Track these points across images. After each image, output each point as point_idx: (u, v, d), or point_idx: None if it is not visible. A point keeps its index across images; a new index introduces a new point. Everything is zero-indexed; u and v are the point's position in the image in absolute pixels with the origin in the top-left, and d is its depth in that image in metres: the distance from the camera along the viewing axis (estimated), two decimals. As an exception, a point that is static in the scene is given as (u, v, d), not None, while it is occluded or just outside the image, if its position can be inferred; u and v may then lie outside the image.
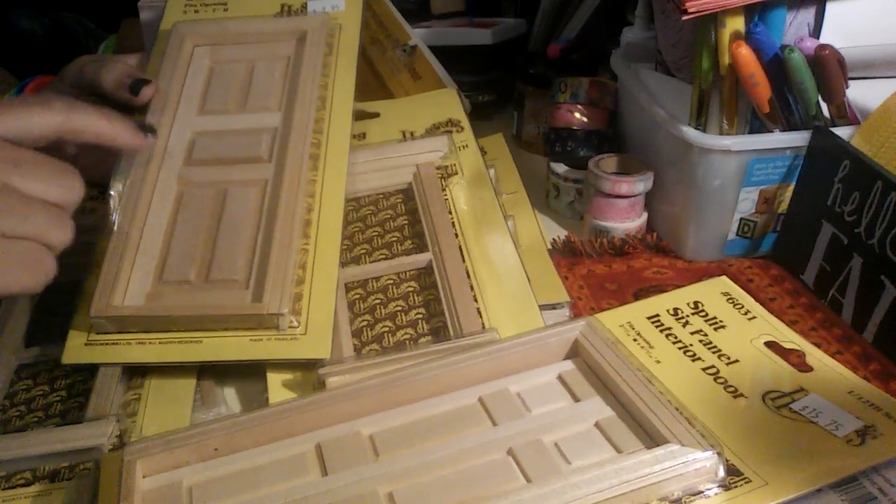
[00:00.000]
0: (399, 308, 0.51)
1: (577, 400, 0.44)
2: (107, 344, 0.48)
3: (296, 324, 0.48)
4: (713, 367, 0.47)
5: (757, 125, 0.56)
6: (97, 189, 0.63)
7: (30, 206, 0.39)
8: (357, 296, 0.53)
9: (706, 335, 0.49)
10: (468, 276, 0.51)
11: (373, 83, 0.72)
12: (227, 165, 0.55)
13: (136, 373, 0.49)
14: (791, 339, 0.49)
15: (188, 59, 0.60)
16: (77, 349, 0.48)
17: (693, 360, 0.48)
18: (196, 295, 0.49)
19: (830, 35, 0.54)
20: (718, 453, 0.38)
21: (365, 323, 0.51)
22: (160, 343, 0.48)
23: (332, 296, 0.49)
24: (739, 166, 0.55)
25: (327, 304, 0.49)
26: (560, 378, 0.46)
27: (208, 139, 0.56)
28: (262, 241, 0.50)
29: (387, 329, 0.50)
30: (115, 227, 0.51)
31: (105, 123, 0.45)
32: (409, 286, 0.53)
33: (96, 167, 0.61)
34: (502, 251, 0.54)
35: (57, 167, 0.41)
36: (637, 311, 0.52)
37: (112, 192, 0.54)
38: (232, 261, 0.50)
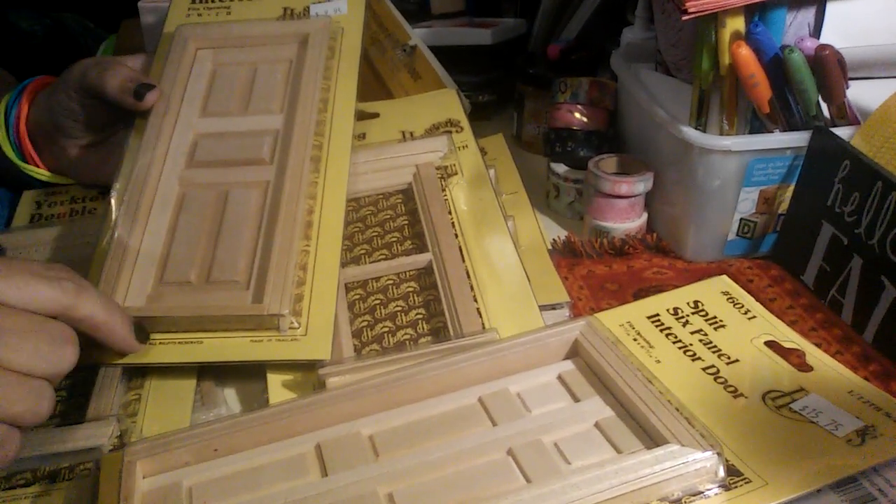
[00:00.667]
0: (399, 308, 0.51)
1: (576, 400, 0.44)
2: None
3: (296, 325, 0.48)
4: (713, 366, 0.47)
5: (757, 125, 0.56)
6: (99, 189, 0.63)
7: (8, 386, 0.35)
8: (357, 296, 0.53)
9: (706, 335, 0.49)
10: (468, 277, 0.51)
11: (373, 83, 0.72)
12: (228, 167, 0.55)
13: (136, 373, 0.49)
14: (791, 338, 0.49)
15: (191, 61, 0.61)
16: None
17: (693, 360, 0.48)
18: (197, 296, 0.49)
19: (830, 35, 0.54)
20: (718, 453, 0.38)
21: (365, 323, 0.51)
22: (160, 344, 0.48)
23: (332, 297, 0.49)
24: (739, 166, 0.55)
25: (328, 305, 0.49)
26: (560, 378, 0.46)
27: (210, 141, 0.56)
28: (263, 243, 0.50)
29: (387, 329, 0.50)
30: (117, 228, 0.51)
31: (106, 317, 0.42)
32: (409, 286, 0.53)
33: (99, 167, 0.61)
34: (502, 251, 0.54)
35: (49, 336, 0.37)
36: (637, 311, 0.52)
37: (114, 193, 0.54)
38: (233, 262, 0.50)
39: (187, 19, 0.64)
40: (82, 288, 0.40)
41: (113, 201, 0.53)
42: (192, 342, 0.48)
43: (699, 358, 0.48)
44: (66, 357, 0.38)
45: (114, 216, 0.53)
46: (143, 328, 0.47)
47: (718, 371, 0.46)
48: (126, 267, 0.50)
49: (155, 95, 0.57)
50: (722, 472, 0.38)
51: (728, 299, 0.53)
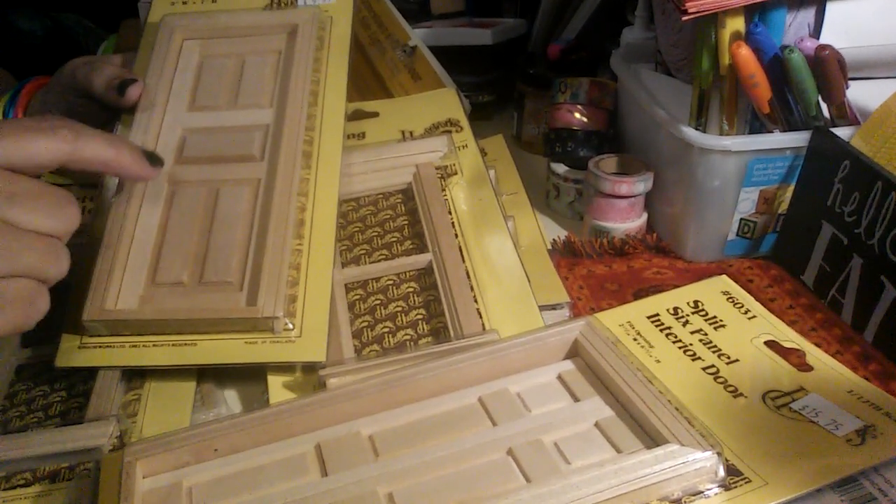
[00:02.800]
0: (399, 309, 0.51)
1: (576, 400, 0.44)
2: (100, 347, 0.48)
3: (291, 326, 0.48)
4: (713, 366, 0.47)
5: (757, 125, 0.56)
6: (87, 187, 0.63)
7: (26, 241, 0.38)
8: (357, 296, 0.53)
9: (706, 334, 0.49)
10: (468, 277, 0.51)
11: (373, 83, 0.72)
12: (218, 164, 0.54)
13: (136, 373, 0.49)
14: (791, 338, 0.49)
15: (177, 53, 0.60)
16: (70, 352, 0.48)
17: (693, 360, 0.48)
18: (189, 297, 0.48)
19: (830, 35, 0.54)
20: (718, 453, 0.38)
21: (365, 324, 0.51)
22: (154, 346, 0.47)
23: (326, 297, 0.49)
24: (739, 166, 0.55)
25: (322, 305, 0.49)
26: (560, 378, 0.46)
27: (199, 136, 0.55)
28: (256, 242, 0.50)
29: (387, 330, 0.50)
30: (106, 227, 0.51)
31: (112, 153, 0.43)
32: (409, 287, 0.53)
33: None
34: (502, 251, 0.54)
35: (54, 197, 0.40)
36: (637, 311, 0.52)
37: (103, 191, 0.53)
38: (225, 262, 0.49)
39: (172, 8, 0.63)
40: (80, 131, 0.41)
41: (104, 199, 0.53)
42: (186, 344, 0.48)
43: (699, 358, 0.48)
44: (73, 214, 0.40)
45: (106, 207, 0.52)
46: (155, 154, 0.47)
47: (718, 371, 0.46)
48: (117, 268, 0.49)
49: (137, 90, 0.56)
50: (722, 472, 0.38)
51: (728, 299, 0.53)
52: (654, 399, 0.41)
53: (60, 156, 0.40)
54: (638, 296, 0.55)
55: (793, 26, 0.54)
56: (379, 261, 0.54)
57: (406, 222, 0.57)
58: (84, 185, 0.63)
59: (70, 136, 0.41)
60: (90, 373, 0.48)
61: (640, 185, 0.60)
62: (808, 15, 0.54)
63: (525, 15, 0.90)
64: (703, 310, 0.52)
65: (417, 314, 0.51)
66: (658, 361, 0.48)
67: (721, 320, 0.51)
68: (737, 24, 0.52)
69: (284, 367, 0.48)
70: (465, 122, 0.63)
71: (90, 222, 0.54)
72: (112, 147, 0.43)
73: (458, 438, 0.41)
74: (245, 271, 0.49)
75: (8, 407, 0.48)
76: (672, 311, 0.52)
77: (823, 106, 0.54)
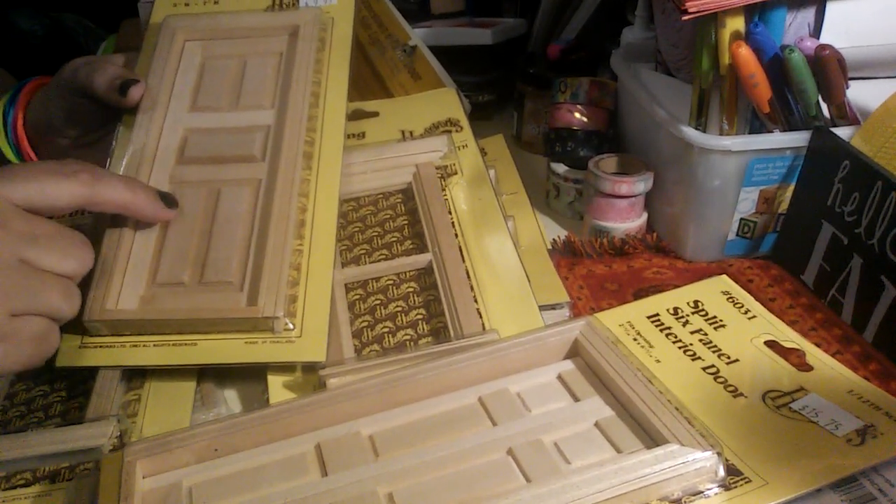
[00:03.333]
0: (399, 309, 0.51)
1: (576, 400, 0.44)
2: (101, 347, 0.48)
3: (291, 326, 0.48)
4: (713, 366, 0.47)
5: (757, 125, 0.56)
6: None
7: (43, 282, 0.40)
8: (357, 296, 0.53)
9: (706, 334, 0.49)
10: (468, 277, 0.51)
11: (373, 83, 0.72)
12: (219, 164, 0.54)
13: (136, 373, 0.49)
14: (791, 338, 0.49)
15: (179, 54, 0.60)
16: (71, 352, 0.48)
17: (693, 360, 0.48)
18: (190, 297, 0.48)
19: (830, 35, 0.54)
20: (718, 453, 0.38)
21: (365, 324, 0.51)
22: (155, 346, 0.48)
23: (326, 298, 0.49)
24: (739, 166, 0.55)
25: (322, 305, 0.49)
26: (560, 378, 0.46)
27: (201, 137, 0.56)
28: (257, 243, 0.50)
29: (387, 330, 0.50)
30: (108, 227, 0.51)
31: (129, 196, 0.46)
32: (409, 287, 0.53)
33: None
34: (502, 251, 0.54)
35: (71, 239, 0.42)
36: (637, 311, 0.52)
37: None
38: (226, 262, 0.49)
39: (174, 9, 0.63)
40: (98, 175, 0.43)
41: None
42: (186, 344, 0.48)
43: (699, 358, 0.48)
44: (87, 256, 0.42)
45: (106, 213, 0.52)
46: (169, 195, 0.49)
47: (718, 371, 0.46)
48: (118, 268, 0.49)
49: (139, 90, 0.56)
50: (722, 472, 0.38)
51: (728, 299, 0.53)
52: (654, 399, 0.41)
53: (80, 200, 0.42)
54: (638, 296, 0.55)
55: (793, 26, 0.54)
56: (379, 261, 0.54)
57: (406, 222, 0.57)
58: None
59: (89, 180, 0.42)
60: (90, 373, 0.48)
61: (640, 184, 0.60)
62: (808, 15, 0.54)
63: (525, 15, 0.90)
64: (703, 310, 0.52)
65: (417, 314, 0.51)
66: (658, 361, 0.48)
67: (721, 320, 0.51)
68: (737, 23, 0.52)
69: (284, 367, 0.48)
70: (465, 122, 0.63)
71: (91, 222, 0.54)
72: (129, 191, 0.45)
73: (458, 438, 0.41)
74: (245, 271, 0.49)
75: (8, 407, 0.48)
76: (672, 311, 0.52)
77: (823, 106, 0.54)
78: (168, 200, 0.49)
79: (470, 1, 0.91)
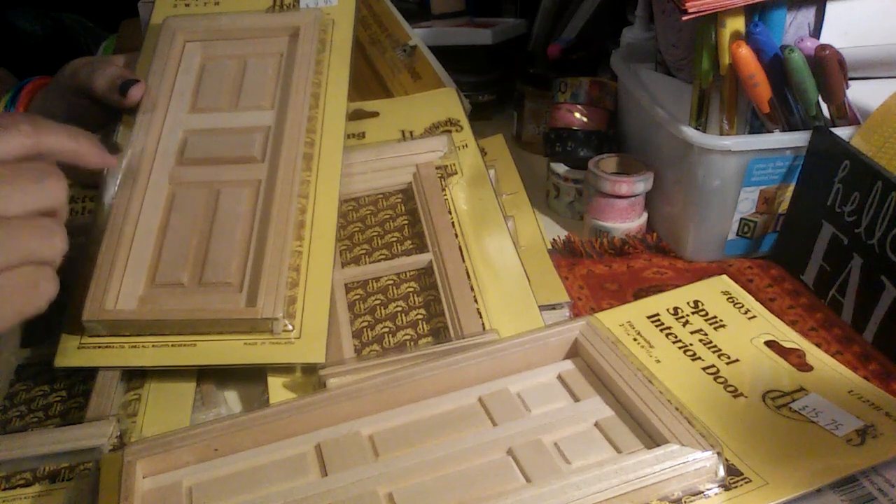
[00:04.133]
0: (399, 309, 0.51)
1: (576, 400, 0.44)
2: (100, 347, 0.48)
3: (290, 327, 0.48)
4: (713, 366, 0.47)
5: (757, 125, 0.56)
6: (87, 188, 0.63)
7: (16, 228, 0.37)
8: (357, 296, 0.53)
9: (706, 334, 0.49)
10: (468, 277, 0.51)
11: (373, 83, 0.72)
12: (219, 165, 0.54)
13: (136, 373, 0.49)
14: (791, 338, 0.49)
15: (179, 55, 0.60)
16: (70, 352, 0.48)
17: (693, 360, 0.48)
18: (189, 298, 0.48)
19: (830, 35, 0.54)
20: (718, 453, 0.38)
21: (365, 324, 0.51)
22: (153, 346, 0.47)
23: (326, 298, 0.49)
24: (739, 166, 0.55)
25: (322, 307, 0.49)
26: (560, 378, 0.46)
27: (200, 138, 0.56)
28: (256, 243, 0.50)
29: (387, 330, 0.50)
30: (107, 227, 0.51)
31: (73, 144, 0.44)
32: (410, 287, 0.53)
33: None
34: (502, 251, 0.54)
35: (34, 171, 0.39)
36: (637, 311, 0.52)
37: (104, 192, 0.53)
38: (225, 263, 0.49)
39: (175, 10, 0.63)
40: (39, 124, 0.41)
41: (104, 199, 0.53)
42: (185, 345, 0.47)
43: (699, 358, 0.48)
44: (54, 187, 0.39)
45: (105, 210, 0.52)
46: (114, 142, 0.48)
47: (718, 371, 0.46)
48: (117, 268, 0.49)
49: (139, 91, 0.56)
50: (722, 472, 0.38)
51: (728, 299, 0.53)
52: (654, 399, 0.41)
53: (24, 150, 0.40)
54: (638, 296, 0.55)
55: (793, 26, 0.54)
56: (379, 261, 0.54)
57: (406, 222, 0.57)
58: (85, 185, 0.63)
59: (30, 129, 0.41)
60: (90, 373, 0.48)
61: (639, 184, 0.60)
62: (808, 15, 0.54)
63: (525, 15, 0.90)
64: (703, 310, 0.52)
65: (417, 314, 0.51)
66: (658, 361, 0.48)
67: (721, 320, 0.51)
68: (737, 23, 0.52)
69: (284, 368, 0.48)
70: (465, 122, 0.64)
71: (90, 222, 0.54)
72: (72, 139, 0.43)
73: (458, 438, 0.41)
74: (245, 272, 0.49)
75: (8, 407, 0.48)
76: (672, 311, 0.52)
77: (823, 106, 0.54)
78: (112, 146, 0.47)
79: (470, 1, 0.91)
